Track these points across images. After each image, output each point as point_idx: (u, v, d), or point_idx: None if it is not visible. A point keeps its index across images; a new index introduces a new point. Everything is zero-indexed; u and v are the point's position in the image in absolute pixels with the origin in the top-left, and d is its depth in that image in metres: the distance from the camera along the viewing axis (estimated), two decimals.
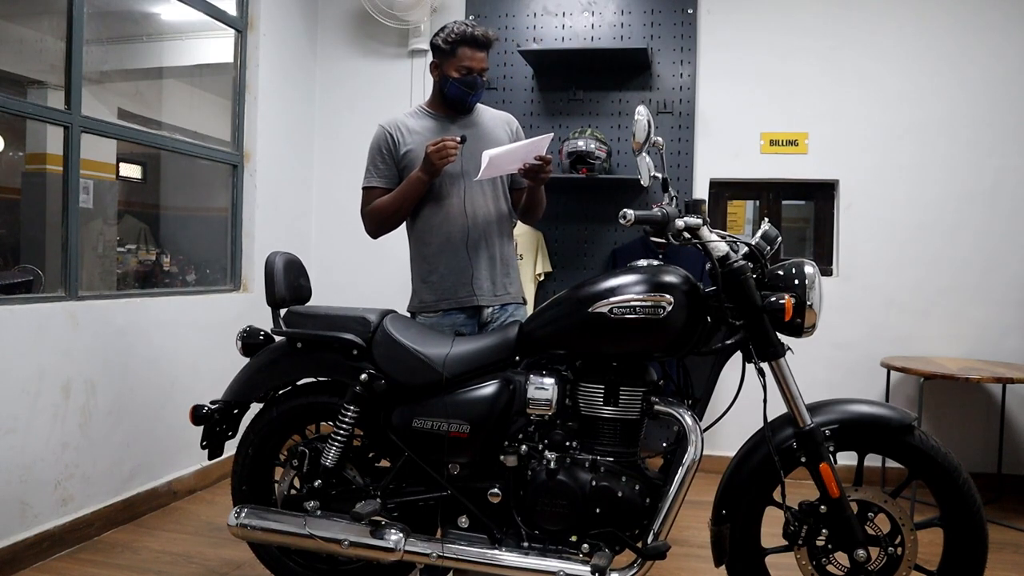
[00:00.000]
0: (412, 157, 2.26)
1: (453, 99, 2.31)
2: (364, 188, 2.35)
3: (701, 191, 3.74)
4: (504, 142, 2.34)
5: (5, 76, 3.71)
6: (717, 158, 3.73)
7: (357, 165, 4.06)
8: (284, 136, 3.82)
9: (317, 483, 2.00)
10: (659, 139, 1.84)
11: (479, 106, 2.42)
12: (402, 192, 2.26)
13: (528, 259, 3.65)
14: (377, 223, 2.33)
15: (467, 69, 2.26)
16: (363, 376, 1.93)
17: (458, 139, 2.17)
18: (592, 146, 3.48)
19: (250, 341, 2.13)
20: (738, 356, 1.83)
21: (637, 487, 1.81)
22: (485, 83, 2.33)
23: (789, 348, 1.80)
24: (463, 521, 1.92)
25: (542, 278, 3.72)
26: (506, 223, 2.40)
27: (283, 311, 2.10)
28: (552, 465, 1.83)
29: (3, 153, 4.06)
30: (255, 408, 2.14)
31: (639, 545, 1.78)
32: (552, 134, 2.20)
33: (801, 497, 1.82)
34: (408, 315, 2.27)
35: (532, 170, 2.20)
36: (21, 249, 3.60)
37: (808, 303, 1.73)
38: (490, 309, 2.31)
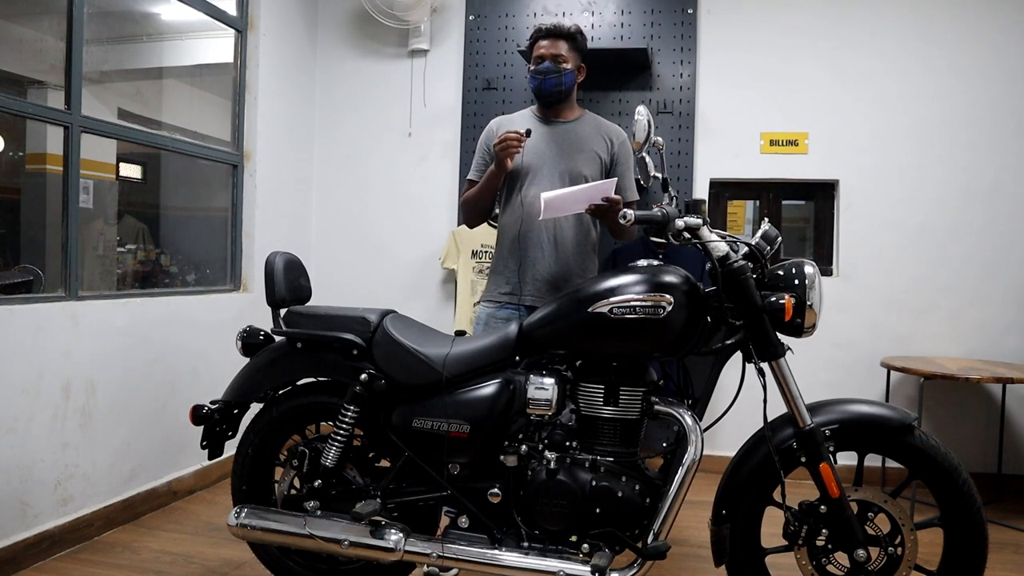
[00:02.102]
0: None
1: (535, 92, 2.42)
2: (467, 179, 2.52)
3: (701, 191, 3.74)
4: (598, 152, 2.39)
5: (5, 76, 3.71)
6: (717, 158, 3.73)
7: (357, 165, 4.12)
8: (284, 136, 3.82)
9: (317, 483, 2.00)
10: (659, 139, 1.85)
11: (588, 115, 2.49)
12: (481, 185, 2.40)
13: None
14: (466, 212, 2.51)
15: (540, 58, 2.38)
16: (363, 376, 1.93)
17: (522, 132, 2.21)
18: None
19: (250, 341, 2.13)
20: (738, 356, 1.83)
21: (637, 487, 1.81)
22: (563, 69, 2.36)
23: (789, 348, 1.80)
24: (463, 521, 1.92)
25: None
26: (585, 235, 2.38)
27: (283, 311, 2.10)
28: (552, 465, 1.83)
29: (3, 153, 4.06)
30: (255, 408, 2.15)
31: (639, 545, 1.78)
32: (616, 179, 2.20)
33: (801, 497, 1.83)
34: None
35: (599, 211, 2.12)
36: (21, 249, 3.60)
37: (808, 303, 1.74)
38: None
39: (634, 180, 2.43)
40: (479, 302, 2.50)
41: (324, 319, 2.04)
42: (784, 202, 3.87)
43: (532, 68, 2.39)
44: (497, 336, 1.97)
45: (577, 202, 2.13)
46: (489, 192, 2.38)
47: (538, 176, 2.34)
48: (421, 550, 1.89)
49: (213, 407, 2.08)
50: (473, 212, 2.47)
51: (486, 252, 3.61)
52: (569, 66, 2.38)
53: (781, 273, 1.79)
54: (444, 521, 2.05)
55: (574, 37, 2.39)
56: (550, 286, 2.33)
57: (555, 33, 2.37)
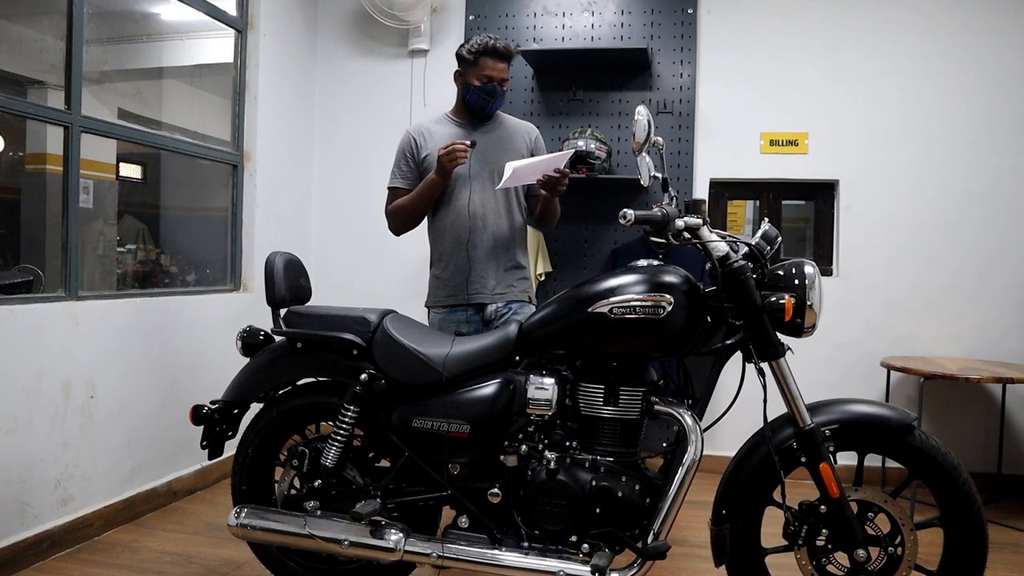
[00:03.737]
0: (431, 161, 2.39)
1: (474, 106, 2.45)
2: (388, 188, 2.53)
3: (701, 191, 3.74)
4: (522, 151, 2.49)
5: (5, 76, 3.70)
6: (717, 158, 3.73)
7: (357, 165, 4.12)
8: (284, 136, 3.82)
9: (317, 483, 2.00)
10: (659, 139, 1.84)
11: (501, 115, 2.56)
12: (418, 193, 2.42)
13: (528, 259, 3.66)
14: (397, 221, 2.51)
15: (488, 78, 2.40)
16: (363, 376, 1.93)
17: (468, 144, 2.28)
18: (592, 146, 3.48)
19: (250, 341, 2.13)
20: (738, 356, 1.83)
21: (637, 487, 1.81)
22: (505, 92, 2.46)
23: (789, 348, 1.80)
24: (463, 521, 1.93)
25: (543, 278, 3.72)
26: (518, 227, 2.50)
27: (283, 311, 2.10)
28: (552, 465, 1.83)
29: (3, 153, 4.06)
30: (255, 408, 2.15)
31: (639, 545, 1.78)
32: (574, 151, 2.29)
33: (801, 497, 1.82)
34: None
35: (550, 182, 2.27)
36: (21, 249, 3.60)
37: (808, 303, 1.74)
38: (494, 306, 2.41)
39: None
40: (428, 307, 2.52)
41: (324, 319, 2.04)
42: (784, 202, 3.87)
43: (478, 86, 2.39)
44: (497, 336, 1.97)
45: (535, 172, 2.27)
46: (428, 200, 2.41)
47: (475, 180, 2.41)
48: (421, 550, 1.89)
49: (213, 407, 2.08)
50: (407, 220, 2.48)
51: None
52: (507, 87, 2.46)
53: (781, 273, 1.79)
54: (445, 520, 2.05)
55: (513, 58, 2.47)
56: (494, 278, 2.42)
57: (506, 57, 2.41)
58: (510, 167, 2.19)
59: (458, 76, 2.48)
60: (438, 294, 2.47)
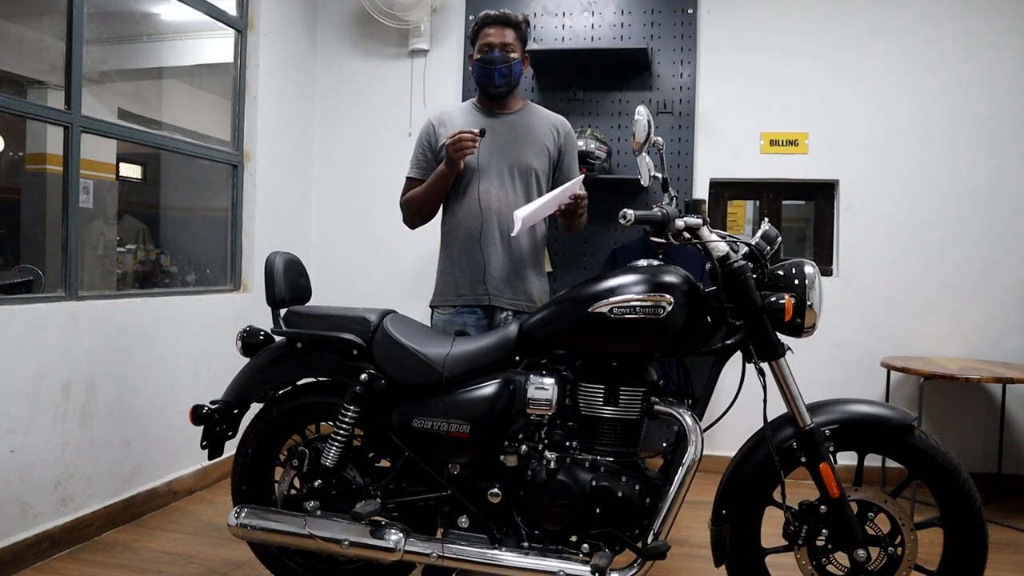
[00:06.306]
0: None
1: (480, 82, 2.34)
2: (406, 177, 2.43)
3: (701, 191, 3.74)
4: (546, 144, 2.36)
5: (5, 76, 3.71)
6: (717, 158, 3.73)
7: (357, 165, 4.12)
8: (284, 136, 3.82)
9: (317, 483, 2.00)
10: (659, 139, 1.84)
11: (530, 105, 2.42)
12: (428, 185, 2.32)
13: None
14: (409, 213, 2.42)
15: (486, 46, 2.29)
16: (363, 376, 1.93)
17: (476, 132, 2.16)
18: (592, 146, 3.48)
19: (250, 341, 2.13)
20: (738, 356, 1.83)
21: (637, 487, 1.81)
22: (513, 60, 2.29)
23: (789, 348, 1.80)
24: (463, 521, 1.93)
25: None
26: (538, 228, 2.37)
27: (283, 311, 2.10)
28: (552, 465, 1.83)
29: (3, 153, 4.06)
30: (255, 408, 2.15)
31: (639, 545, 1.78)
32: (584, 175, 2.23)
33: (801, 497, 1.82)
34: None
35: (568, 210, 2.22)
36: (21, 249, 3.60)
37: (808, 303, 1.73)
38: (504, 313, 2.32)
39: (577, 162, 2.46)
40: (433, 306, 2.42)
41: (324, 319, 2.04)
42: (784, 202, 3.87)
43: (478, 57, 2.30)
44: (497, 336, 1.97)
45: (550, 207, 2.15)
46: (438, 193, 2.32)
47: (487, 172, 2.30)
48: (421, 550, 1.89)
49: (213, 407, 2.08)
50: (419, 213, 2.39)
51: None
52: (516, 55, 2.31)
53: (781, 273, 1.79)
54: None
55: (520, 26, 2.32)
56: (507, 282, 2.30)
57: (503, 21, 2.29)
58: (518, 218, 2.04)
59: (469, 60, 2.41)
60: (446, 293, 2.36)
